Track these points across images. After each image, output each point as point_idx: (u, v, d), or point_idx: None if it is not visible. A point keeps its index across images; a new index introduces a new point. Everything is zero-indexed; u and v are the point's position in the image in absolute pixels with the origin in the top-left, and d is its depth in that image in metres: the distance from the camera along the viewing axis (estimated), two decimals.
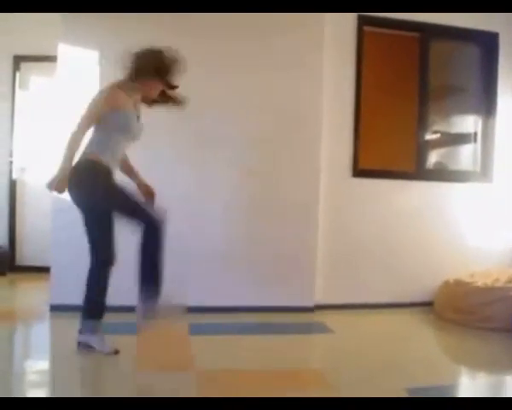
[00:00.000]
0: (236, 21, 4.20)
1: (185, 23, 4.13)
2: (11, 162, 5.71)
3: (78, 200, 3.01)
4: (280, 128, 4.32)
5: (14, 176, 5.75)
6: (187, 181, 4.20)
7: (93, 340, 3.10)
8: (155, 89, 3.17)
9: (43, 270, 4.45)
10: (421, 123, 4.75)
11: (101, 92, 3.08)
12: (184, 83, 4.18)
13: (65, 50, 4.05)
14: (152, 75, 3.09)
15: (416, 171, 4.75)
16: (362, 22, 4.54)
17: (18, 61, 5.69)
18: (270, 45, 4.28)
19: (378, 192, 4.63)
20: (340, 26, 4.48)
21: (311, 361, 3.45)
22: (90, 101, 3.03)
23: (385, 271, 4.61)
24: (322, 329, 3.93)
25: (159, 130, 3.98)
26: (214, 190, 4.25)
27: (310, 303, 4.35)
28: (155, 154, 4.07)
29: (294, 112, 4.32)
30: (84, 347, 3.11)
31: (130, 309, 3.86)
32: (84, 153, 3.06)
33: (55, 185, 2.93)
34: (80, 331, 3.14)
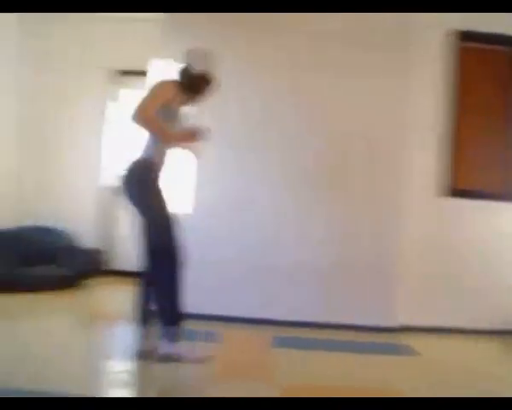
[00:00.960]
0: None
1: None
2: (107, 169, 5.99)
3: None
4: (366, 145, 4.24)
5: (108, 183, 6.02)
6: (274, 197, 4.25)
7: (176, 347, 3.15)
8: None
9: (137, 274, 4.54)
10: None
11: None
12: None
13: (156, 65, 4.18)
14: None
15: None
16: (457, 37, 4.39)
17: (110, 74, 5.99)
18: (358, 58, 4.23)
19: (472, 213, 4.42)
20: (430, 39, 4.35)
21: (394, 382, 3.30)
22: None
23: (476, 295, 4.38)
24: (407, 351, 3.79)
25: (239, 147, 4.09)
26: (302, 207, 4.25)
27: (393, 324, 4.23)
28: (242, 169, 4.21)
29: (379, 129, 4.24)
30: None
31: (209, 318, 3.97)
32: None
33: None
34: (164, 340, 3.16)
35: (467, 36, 4.42)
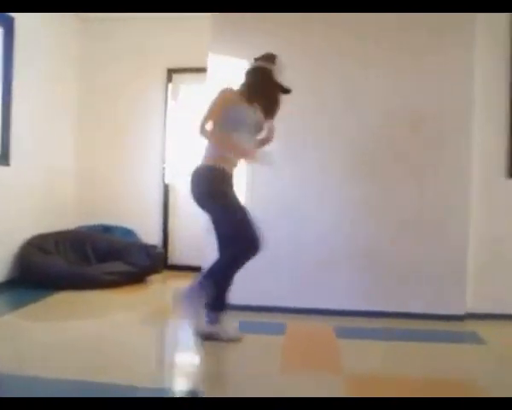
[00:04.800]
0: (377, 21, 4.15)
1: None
2: (164, 168, 6.15)
3: None
4: (428, 128, 4.16)
5: (167, 181, 6.17)
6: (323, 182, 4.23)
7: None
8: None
9: (194, 269, 4.67)
10: None
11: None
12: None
13: (214, 61, 4.25)
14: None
15: None
16: None
17: (170, 73, 6.13)
18: (417, 47, 4.16)
19: None
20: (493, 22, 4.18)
21: (463, 372, 3.21)
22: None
23: None
24: (475, 339, 3.70)
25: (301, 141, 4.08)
26: (357, 192, 4.22)
27: (460, 311, 4.12)
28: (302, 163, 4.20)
29: (442, 111, 4.13)
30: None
31: (273, 309, 4.00)
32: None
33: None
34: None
35: None
